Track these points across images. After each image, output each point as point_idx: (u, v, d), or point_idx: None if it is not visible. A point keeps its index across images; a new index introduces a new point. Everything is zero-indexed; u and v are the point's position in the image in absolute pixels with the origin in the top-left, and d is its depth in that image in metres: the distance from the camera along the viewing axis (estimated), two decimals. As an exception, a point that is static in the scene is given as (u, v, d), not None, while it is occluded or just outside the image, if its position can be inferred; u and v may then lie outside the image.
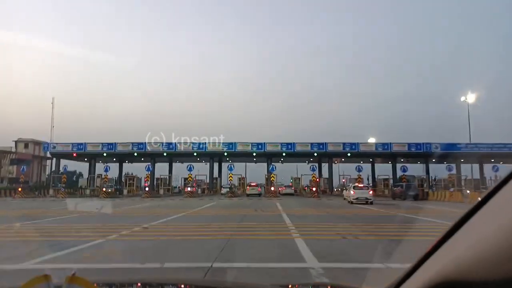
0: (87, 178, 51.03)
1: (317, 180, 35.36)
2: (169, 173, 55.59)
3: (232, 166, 37.10)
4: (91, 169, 49.47)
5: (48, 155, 48.90)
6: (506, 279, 0.53)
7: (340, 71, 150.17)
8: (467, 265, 0.60)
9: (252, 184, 39.26)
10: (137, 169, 65.94)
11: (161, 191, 42.30)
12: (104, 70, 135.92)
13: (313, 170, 36.15)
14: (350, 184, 32.91)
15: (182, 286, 1.78)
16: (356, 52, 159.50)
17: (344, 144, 46.84)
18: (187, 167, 37.83)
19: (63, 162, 50.74)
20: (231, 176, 36.98)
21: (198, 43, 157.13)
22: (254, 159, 51.82)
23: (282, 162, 54.23)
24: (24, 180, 48.25)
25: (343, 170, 66.51)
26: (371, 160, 51.05)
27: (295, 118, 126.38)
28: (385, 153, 46.35)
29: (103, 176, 47.07)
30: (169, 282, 2.03)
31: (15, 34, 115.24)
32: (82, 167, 60.26)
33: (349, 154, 46.38)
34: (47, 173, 49.27)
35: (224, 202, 25.59)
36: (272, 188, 34.86)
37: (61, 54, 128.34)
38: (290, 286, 2.16)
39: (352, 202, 24.91)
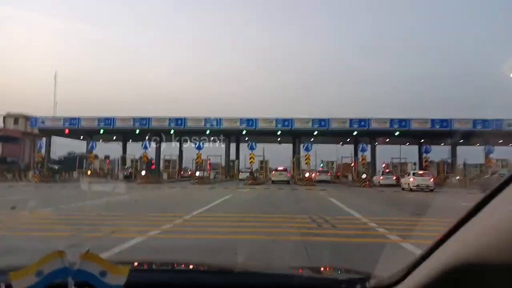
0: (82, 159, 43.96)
1: (364, 162, 26.94)
2: (179, 154, 48.24)
3: (253, 144, 28.83)
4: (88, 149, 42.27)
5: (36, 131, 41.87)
6: None
7: (361, 49, 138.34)
8: (487, 247, 0.59)
9: (279, 168, 31.04)
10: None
11: (164, 176, 34.68)
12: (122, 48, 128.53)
13: (363, 150, 27.62)
14: (410, 171, 29.32)
15: (192, 266, 1.76)
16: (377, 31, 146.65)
17: (391, 120, 37.88)
18: (196, 144, 29.78)
19: (55, 140, 43.95)
20: (252, 157, 28.70)
21: (210, 21, 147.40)
22: (278, 139, 43.49)
23: (312, 142, 45.75)
24: (12, 159, 41.64)
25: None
26: (422, 140, 41.79)
27: (311, 100, 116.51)
28: (442, 132, 37.14)
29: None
30: (184, 263, 1.91)
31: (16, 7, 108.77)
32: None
33: (397, 133, 37.43)
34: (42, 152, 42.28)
35: (244, 195, 17.42)
36: (307, 174, 26.51)
37: (65, 29, 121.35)
38: (300, 270, 1.74)
39: (411, 190, 23.19)
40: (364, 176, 26.27)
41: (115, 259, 2.58)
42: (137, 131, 38.98)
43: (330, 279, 1.42)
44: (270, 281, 1.33)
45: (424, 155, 26.73)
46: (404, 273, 0.89)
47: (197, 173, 26.92)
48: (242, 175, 39.07)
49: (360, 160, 27.01)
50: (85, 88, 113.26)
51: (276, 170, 30.29)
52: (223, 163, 44.68)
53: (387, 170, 33.58)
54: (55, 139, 45.38)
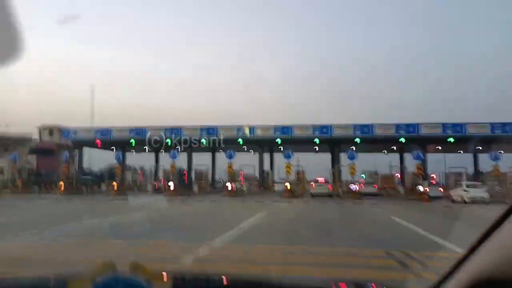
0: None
1: (421, 172, 23.32)
2: (212, 165, 46.51)
3: (290, 153, 26.01)
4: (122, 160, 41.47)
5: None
6: None
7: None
8: (507, 264, 0.61)
9: (319, 180, 28.00)
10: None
11: (196, 188, 32.71)
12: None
13: (418, 158, 23.92)
14: (463, 182, 27.16)
15: (229, 279, 1.72)
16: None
17: (444, 125, 33.86)
18: (227, 154, 27.40)
19: (92, 152, 43.67)
20: (288, 167, 25.83)
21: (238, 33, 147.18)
22: (316, 147, 40.45)
23: (353, 151, 42.25)
24: (46, 172, 41.61)
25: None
26: (478, 148, 37.13)
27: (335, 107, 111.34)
28: (506, 138, 32.51)
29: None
30: (207, 274, 2.11)
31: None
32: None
33: (451, 140, 33.31)
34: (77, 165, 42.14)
35: (281, 212, 14.76)
36: (353, 187, 23.11)
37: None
38: (339, 283, 1.79)
39: (465, 202, 21.96)
40: (421, 188, 22.72)
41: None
42: (169, 142, 37.61)
43: None
44: None
45: (494, 163, 22.97)
46: (437, 285, 0.89)
47: (228, 185, 24.61)
48: (277, 187, 36.39)
49: (416, 169, 23.45)
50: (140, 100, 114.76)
51: (315, 181, 27.31)
52: (257, 174, 42.54)
53: (433, 181, 32.60)
54: (94, 151, 45.38)
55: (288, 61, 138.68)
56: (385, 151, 43.00)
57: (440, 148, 38.01)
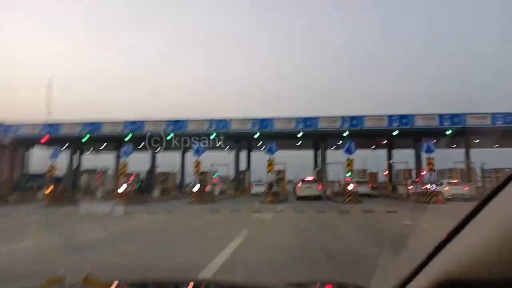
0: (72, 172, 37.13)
1: (433, 168, 19.13)
2: (181, 165, 41.30)
3: (273, 147, 21.22)
4: (73, 161, 35.67)
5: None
6: (506, 279, 0.53)
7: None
8: (469, 265, 0.61)
9: (306, 179, 23.32)
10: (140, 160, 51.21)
11: (156, 193, 27.51)
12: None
13: (430, 151, 19.72)
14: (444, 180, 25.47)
15: (194, 284, 1.69)
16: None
17: (441, 116, 30.35)
18: (194, 149, 22.21)
19: (35, 153, 37.50)
20: (271, 164, 20.81)
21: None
22: (298, 143, 36.16)
23: (351, 142, 38.11)
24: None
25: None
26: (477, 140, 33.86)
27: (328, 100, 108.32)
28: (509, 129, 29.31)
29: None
30: (182, 281, 1.97)
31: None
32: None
33: (448, 132, 29.75)
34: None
35: (268, 231, 9.31)
36: (351, 186, 18.37)
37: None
38: (302, 285, 1.80)
39: (447, 199, 20.30)
40: (432, 186, 18.62)
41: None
42: (128, 137, 32.24)
43: None
44: None
45: (427, 155, 19.09)
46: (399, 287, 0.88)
47: (195, 188, 19.66)
48: (255, 189, 31.81)
49: (427, 165, 19.34)
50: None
51: (303, 181, 22.68)
52: (232, 175, 37.79)
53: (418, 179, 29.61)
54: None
55: (275, 54, 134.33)
56: (374, 146, 39.13)
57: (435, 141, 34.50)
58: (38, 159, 39.67)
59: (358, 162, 34.74)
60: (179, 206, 17.92)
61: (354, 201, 18.10)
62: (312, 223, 10.64)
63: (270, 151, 21.29)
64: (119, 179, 22.19)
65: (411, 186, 24.46)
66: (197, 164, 21.39)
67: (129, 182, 28.56)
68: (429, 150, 19.81)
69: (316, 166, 38.85)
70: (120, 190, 20.04)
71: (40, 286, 0.89)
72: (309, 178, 23.90)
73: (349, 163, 19.66)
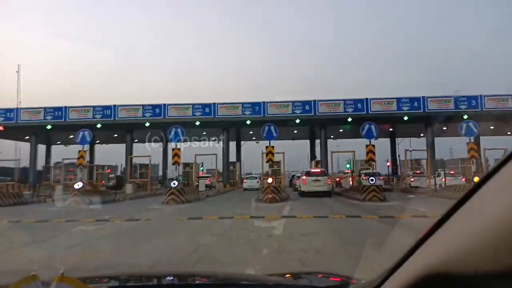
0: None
1: (475, 155, 15.38)
2: (163, 157, 36.92)
3: (272, 130, 16.89)
4: (32, 152, 30.84)
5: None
6: (489, 272, 0.53)
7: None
8: (453, 257, 0.61)
9: (314, 171, 19.03)
10: (116, 152, 46.45)
11: (129, 189, 23.05)
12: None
13: (471, 133, 15.77)
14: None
15: (174, 277, 1.75)
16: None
17: (457, 99, 26.84)
18: (171, 134, 17.85)
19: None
20: (271, 152, 16.35)
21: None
22: (295, 131, 32.26)
23: (335, 138, 34.31)
24: None
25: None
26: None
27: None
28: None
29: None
30: (160, 274, 2.02)
31: None
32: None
33: (465, 116, 26.25)
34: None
35: None
36: (372, 180, 14.34)
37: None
38: (285, 276, 1.78)
39: None
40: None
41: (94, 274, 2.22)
42: (99, 125, 27.73)
43: (309, 286, 1.37)
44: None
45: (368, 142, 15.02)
46: (381, 280, 0.88)
47: (173, 184, 15.34)
48: (247, 184, 27.83)
49: (468, 151, 15.49)
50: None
51: (308, 173, 18.46)
52: (220, 168, 33.65)
53: (418, 171, 28.07)
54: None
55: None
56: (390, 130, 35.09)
57: (445, 128, 31.03)
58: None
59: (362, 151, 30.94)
60: (150, 207, 13.65)
61: (379, 198, 14.24)
62: (359, 239, 6.63)
63: (269, 136, 17.22)
64: (81, 173, 17.79)
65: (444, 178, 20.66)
66: (176, 153, 17.21)
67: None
68: (470, 132, 16.07)
69: (313, 156, 35.16)
70: (76, 186, 15.69)
71: (11, 286, 0.81)
72: (316, 169, 19.89)
73: (370, 150, 15.80)
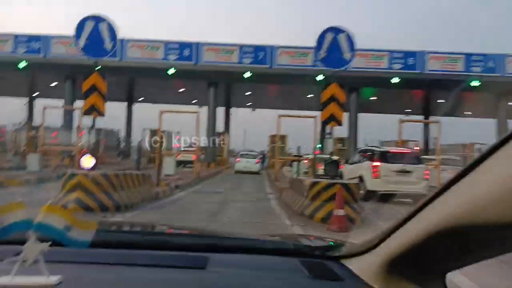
0: None
1: None
2: (126, 121, 27.84)
3: (343, 39, 8.48)
4: None
5: None
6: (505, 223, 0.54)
7: None
8: (471, 211, 0.61)
9: (397, 151, 10.06)
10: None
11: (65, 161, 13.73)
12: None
13: None
14: None
15: (173, 231, 1.67)
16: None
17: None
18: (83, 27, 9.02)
19: None
20: (334, 91, 7.80)
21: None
22: (309, 95, 23.64)
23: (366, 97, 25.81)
24: None
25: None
26: None
27: None
28: None
29: None
30: (156, 224, 1.91)
31: None
32: None
33: None
34: None
35: None
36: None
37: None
38: (276, 236, 1.76)
39: None
40: None
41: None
42: (22, 65, 18.31)
43: (303, 245, 1.38)
44: (240, 244, 1.29)
45: None
46: (378, 241, 0.87)
47: (84, 161, 6.26)
48: (242, 164, 19.17)
49: None
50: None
51: (384, 157, 9.23)
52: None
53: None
54: None
55: None
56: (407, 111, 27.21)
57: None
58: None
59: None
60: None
61: None
62: None
63: (336, 57, 8.41)
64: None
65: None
66: (93, 83, 8.49)
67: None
68: None
69: (326, 133, 26.65)
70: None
71: None
72: (401, 149, 10.92)
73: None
